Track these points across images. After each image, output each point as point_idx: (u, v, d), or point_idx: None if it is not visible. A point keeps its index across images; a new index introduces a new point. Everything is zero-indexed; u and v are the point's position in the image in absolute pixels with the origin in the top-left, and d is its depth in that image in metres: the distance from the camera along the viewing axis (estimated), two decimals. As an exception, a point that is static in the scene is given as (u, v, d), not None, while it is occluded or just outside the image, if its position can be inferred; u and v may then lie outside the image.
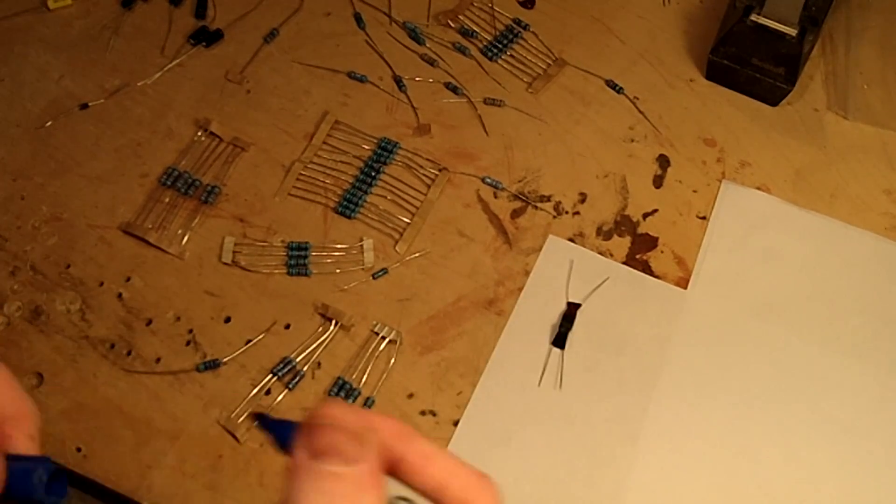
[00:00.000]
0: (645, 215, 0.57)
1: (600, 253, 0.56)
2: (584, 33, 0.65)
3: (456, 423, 0.50)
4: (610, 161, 0.59)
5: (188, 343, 0.53)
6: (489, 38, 0.64)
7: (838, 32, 0.64)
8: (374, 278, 0.55)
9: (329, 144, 0.60)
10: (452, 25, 0.65)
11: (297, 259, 0.55)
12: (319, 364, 0.52)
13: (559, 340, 0.52)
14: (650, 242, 0.56)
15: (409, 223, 0.57)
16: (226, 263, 0.55)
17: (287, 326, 0.53)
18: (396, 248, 0.56)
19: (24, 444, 0.33)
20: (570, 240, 0.56)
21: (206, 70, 0.63)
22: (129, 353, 0.52)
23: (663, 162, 0.59)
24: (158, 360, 0.52)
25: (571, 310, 0.53)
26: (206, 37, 0.64)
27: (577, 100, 0.62)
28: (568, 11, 0.66)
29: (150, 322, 0.53)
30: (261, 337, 0.53)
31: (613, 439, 0.50)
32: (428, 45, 0.64)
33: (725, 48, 0.60)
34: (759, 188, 0.58)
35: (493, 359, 0.52)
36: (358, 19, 0.65)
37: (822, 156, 0.59)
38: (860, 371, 0.52)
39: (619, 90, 0.62)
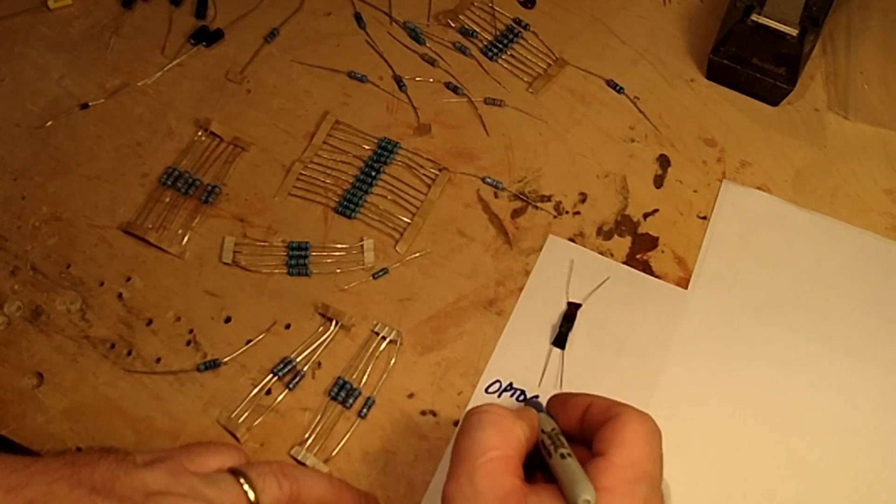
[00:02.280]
0: (645, 215, 0.57)
1: (601, 253, 0.56)
2: (584, 33, 0.65)
3: (456, 423, 0.50)
4: (610, 161, 0.59)
5: (188, 343, 0.53)
6: (489, 38, 0.64)
7: (839, 32, 0.64)
8: (374, 278, 0.55)
9: (329, 144, 0.60)
10: (453, 25, 0.65)
11: (298, 259, 0.55)
12: (320, 364, 0.52)
13: (559, 340, 0.52)
14: (650, 242, 0.56)
15: (409, 223, 0.57)
16: (226, 263, 0.55)
17: (287, 326, 0.53)
18: (397, 248, 0.56)
19: None
20: (571, 240, 0.56)
21: (207, 70, 0.63)
22: (129, 353, 0.52)
23: (664, 162, 0.59)
24: (159, 359, 0.52)
25: (572, 310, 0.53)
26: (206, 37, 0.64)
27: (578, 100, 0.62)
28: (568, 11, 0.66)
29: (150, 322, 0.53)
30: (261, 337, 0.53)
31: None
32: (428, 44, 0.64)
33: (726, 48, 0.60)
34: (759, 188, 0.58)
35: (493, 359, 0.52)
36: (358, 19, 0.65)
37: (822, 156, 0.59)
38: (860, 371, 0.52)
39: (620, 90, 0.62)
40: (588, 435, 0.41)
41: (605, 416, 0.40)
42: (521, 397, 0.51)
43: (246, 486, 0.39)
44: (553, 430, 0.41)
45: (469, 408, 0.50)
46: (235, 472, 0.39)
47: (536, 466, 0.41)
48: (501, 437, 0.40)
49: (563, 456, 0.39)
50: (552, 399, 0.45)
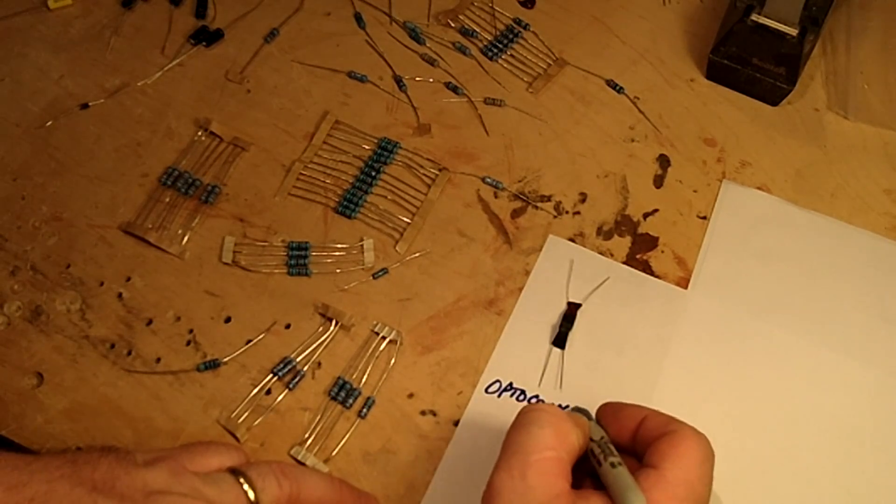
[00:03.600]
0: (645, 215, 0.57)
1: (600, 253, 0.56)
2: (584, 33, 0.65)
3: (456, 423, 0.50)
4: (610, 161, 0.59)
5: (188, 343, 0.53)
6: (489, 38, 0.64)
7: (839, 32, 0.64)
8: (374, 278, 0.55)
9: (329, 144, 0.60)
10: (452, 25, 0.65)
11: (298, 259, 0.55)
12: (320, 364, 0.52)
13: (559, 340, 0.52)
14: (650, 242, 0.56)
15: (409, 223, 0.57)
16: (226, 263, 0.55)
17: (287, 326, 0.53)
18: (396, 248, 0.56)
19: None
20: (571, 240, 0.56)
21: (207, 70, 0.63)
22: (129, 353, 0.52)
23: (663, 162, 0.59)
24: (158, 359, 0.52)
25: (572, 310, 0.53)
26: (206, 37, 0.64)
27: (578, 100, 0.62)
28: (568, 11, 0.66)
29: (150, 322, 0.53)
30: (261, 337, 0.53)
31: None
32: (428, 44, 0.64)
33: (726, 48, 0.60)
34: (759, 188, 0.58)
35: (493, 359, 0.52)
36: (358, 19, 0.65)
37: (822, 156, 0.59)
38: (860, 371, 0.52)
39: (620, 90, 0.62)
40: (640, 447, 0.41)
41: (662, 431, 0.40)
42: (521, 397, 0.51)
43: (246, 486, 0.39)
44: (602, 438, 0.41)
45: (469, 407, 0.50)
46: (235, 472, 0.39)
47: (581, 476, 0.41)
48: (558, 438, 0.39)
49: (613, 465, 0.39)
50: (603, 408, 0.45)
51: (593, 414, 0.45)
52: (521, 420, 0.41)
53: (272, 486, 0.39)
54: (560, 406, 0.50)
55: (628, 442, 0.42)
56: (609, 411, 0.44)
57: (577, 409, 0.47)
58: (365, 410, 0.51)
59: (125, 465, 0.37)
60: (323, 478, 0.42)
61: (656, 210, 0.57)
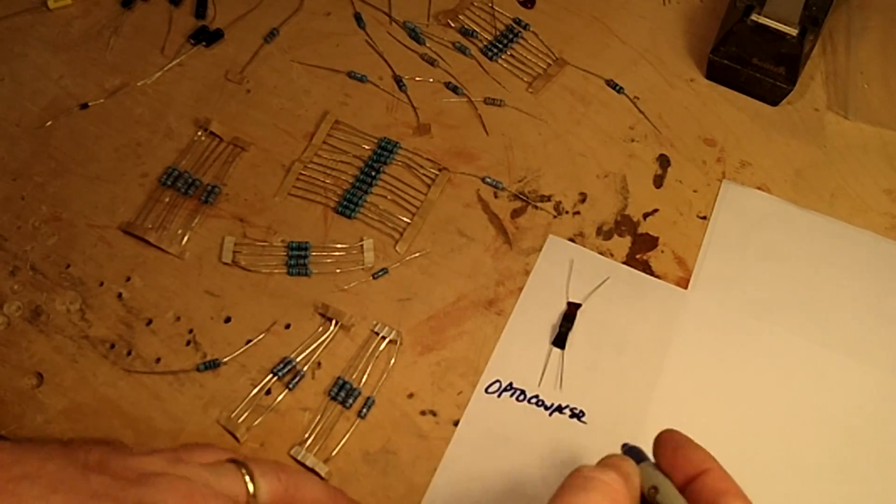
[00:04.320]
0: (645, 215, 0.57)
1: (600, 253, 0.56)
2: (584, 33, 0.65)
3: (456, 423, 0.50)
4: (610, 161, 0.59)
5: (188, 343, 0.53)
6: (489, 38, 0.64)
7: (839, 32, 0.64)
8: (374, 278, 0.55)
9: (329, 144, 0.60)
10: (452, 25, 0.65)
11: (297, 259, 0.55)
12: (320, 364, 0.52)
13: (559, 340, 0.52)
14: (650, 242, 0.56)
15: (409, 223, 0.57)
16: (226, 263, 0.55)
17: (287, 326, 0.53)
18: (396, 247, 0.56)
19: None
20: (571, 240, 0.56)
21: (206, 70, 0.63)
22: (129, 353, 0.52)
23: (663, 162, 0.59)
24: (158, 360, 0.52)
25: (572, 310, 0.53)
26: (206, 36, 0.64)
27: (578, 100, 0.62)
28: (568, 11, 0.66)
29: (150, 322, 0.53)
30: (261, 337, 0.53)
31: (614, 439, 0.50)
32: (428, 44, 0.64)
33: (726, 48, 0.60)
34: (759, 188, 0.58)
35: (493, 359, 0.52)
36: (358, 19, 0.65)
37: (822, 156, 0.59)
38: (860, 371, 0.52)
39: (620, 90, 0.62)
40: (693, 497, 0.39)
41: (718, 499, 0.38)
42: (521, 397, 0.51)
43: (246, 477, 0.39)
44: (652, 488, 0.39)
45: (469, 406, 0.50)
46: (236, 463, 0.39)
47: None
48: None
49: None
50: (665, 436, 0.41)
51: (649, 451, 0.41)
52: (577, 483, 0.38)
53: (272, 480, 0.39)
54: (569, 408, 0.50)
55: (680, 484, 0.40)
56: (669, 444, 0.41)
57: (631, 450, 0.42)
58: (365, 410, 0.51)
59: (120, 451, 0.37)
60: (320, 482, 0.43)
61: (656, 210, 0.57)
